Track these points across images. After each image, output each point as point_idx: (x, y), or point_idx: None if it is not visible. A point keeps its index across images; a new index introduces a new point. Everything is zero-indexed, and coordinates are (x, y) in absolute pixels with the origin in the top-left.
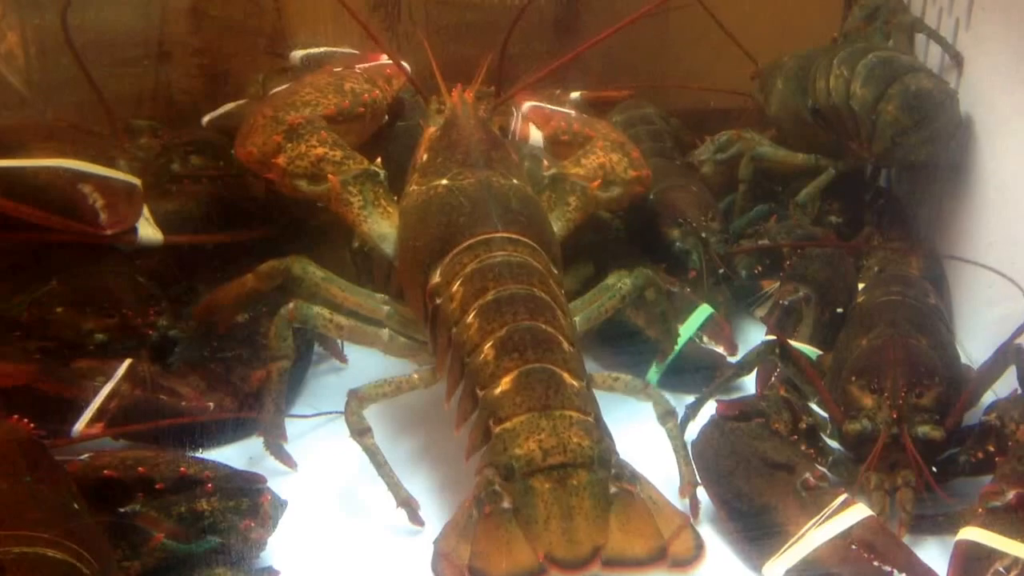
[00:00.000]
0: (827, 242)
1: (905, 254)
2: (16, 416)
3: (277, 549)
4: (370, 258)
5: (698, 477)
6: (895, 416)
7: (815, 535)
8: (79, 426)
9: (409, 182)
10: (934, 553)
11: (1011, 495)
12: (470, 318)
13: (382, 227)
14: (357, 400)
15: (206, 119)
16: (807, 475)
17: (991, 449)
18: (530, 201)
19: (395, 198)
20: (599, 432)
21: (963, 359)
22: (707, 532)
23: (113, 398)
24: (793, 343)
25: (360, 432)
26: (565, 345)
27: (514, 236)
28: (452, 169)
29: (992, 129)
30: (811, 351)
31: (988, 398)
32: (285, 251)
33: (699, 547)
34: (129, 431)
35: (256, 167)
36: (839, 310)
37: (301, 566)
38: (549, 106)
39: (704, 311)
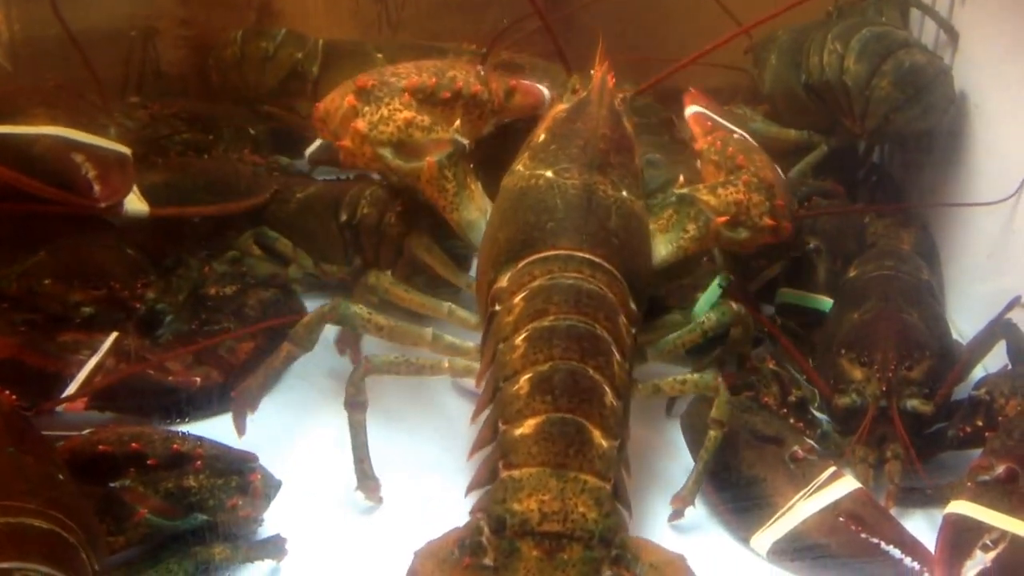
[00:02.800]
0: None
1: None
2: None
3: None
4: (358, 231)
5: (695, 459)
6: (884, 389)
7: (803, 507)
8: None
9: (518, 159)
10: (922, 526)
11: (1000, 469)
12: (519, 340)
13: (471, 212)
14: (363, 370)
15: (308, 152)
16: (796, 448)
17: (980, 424)
18: (632, 220)
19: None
20: (611, 504)
21: (954, 335)
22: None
23: (98, 372)
24: (811, 295)
25: (354, 405)
26: (608, 397)
27: (597, 260)
28: (562, 162)
29: (987, 104)
30: (828, 302)
31: (979, 374)
32: (271, 223)
33: None
34: (114, 405)
35: (322, 127)
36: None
37: (298, 544)
38: (717, 117)
39: (723, 278)
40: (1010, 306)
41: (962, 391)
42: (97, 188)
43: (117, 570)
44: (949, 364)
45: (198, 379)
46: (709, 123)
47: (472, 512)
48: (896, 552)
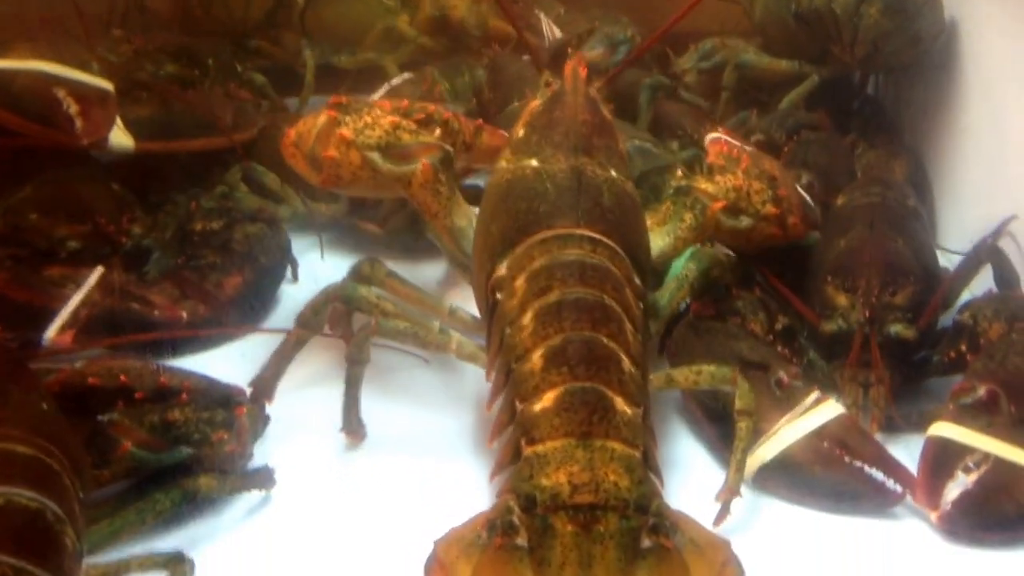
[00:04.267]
0: None
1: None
2: None
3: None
4: None
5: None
6: (867, 315)
7: (788, 432)
8: (49, 333)
9: (499, 157)
10: (905, 452)
11: (982, 391)
12: (526, 319)
13: (460, 219)
14: (369, 331)
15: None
16: (781, 373)
17: (963, 348)
18: (625, 198)
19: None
20: (643, 471)
21: (945, 263)
22: (684, 435)
23: (84, 306)
24: None
25: (355, 362)
26: (626, 364)
27: (596, 235)
28: (545, 150)
29: (977, 31)
30: None
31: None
32: (259, 159)
33: None
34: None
35: (294, 152)
36: None
37: (288, 478)
38: (736, 142)
39: None
40: (996, 231)
41: (949, 318)
42: (79, 124)
43: (105, 503)
44: (934, 290)
45: (184, 314)
46: (723, 140)
47: (498, 495)
48: (879, 474)
